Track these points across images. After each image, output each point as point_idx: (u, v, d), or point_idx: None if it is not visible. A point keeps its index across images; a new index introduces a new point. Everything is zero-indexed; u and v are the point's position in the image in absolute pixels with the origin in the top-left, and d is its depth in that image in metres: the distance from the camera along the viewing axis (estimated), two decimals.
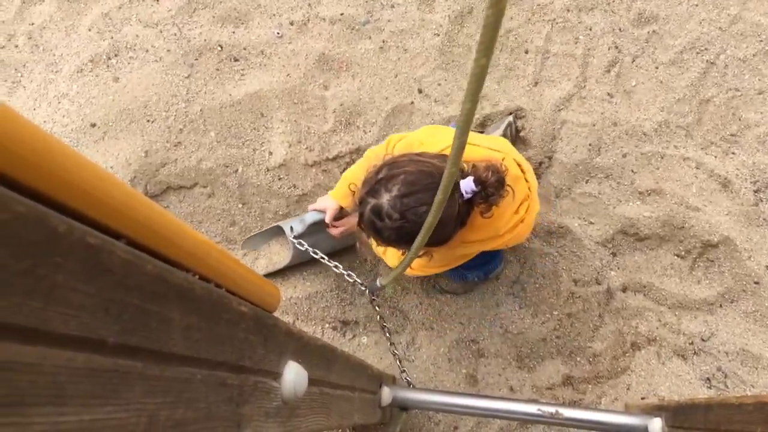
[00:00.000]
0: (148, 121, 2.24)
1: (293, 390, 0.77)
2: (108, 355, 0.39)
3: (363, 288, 1.95)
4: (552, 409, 1.79)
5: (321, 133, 2.28)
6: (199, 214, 2.25)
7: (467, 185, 1.48)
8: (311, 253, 1.96)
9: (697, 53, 2.31)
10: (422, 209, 1.38)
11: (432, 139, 1.74)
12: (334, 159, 2.27)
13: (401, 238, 1.49)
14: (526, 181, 1.73)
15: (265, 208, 2.25)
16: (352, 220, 1.97)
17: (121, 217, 0.43)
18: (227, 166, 2.24)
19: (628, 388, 2.17)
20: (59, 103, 2.31)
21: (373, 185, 1.49)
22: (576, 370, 2.20)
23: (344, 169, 2.30)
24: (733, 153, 2.26)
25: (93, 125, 2.25)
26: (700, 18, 2.33)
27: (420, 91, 2.33)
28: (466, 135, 0.85)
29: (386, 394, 1.79)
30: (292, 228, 2.10)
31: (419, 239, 1.16)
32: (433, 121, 2.30)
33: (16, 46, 2.44)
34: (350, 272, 1.98)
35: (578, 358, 2.21)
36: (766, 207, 2.19)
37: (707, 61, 2.30)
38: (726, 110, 2.28)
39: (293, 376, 0.79)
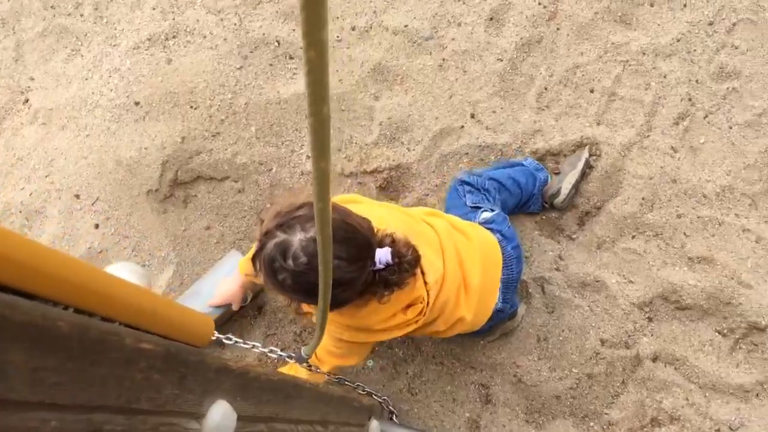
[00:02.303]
0: (192, 107, 2.26)
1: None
2: None
3: (290, 360, 1.83)
4: None
5: (363, 144, 2.24)
6: (225, 208, 2.26)
7: (383, 256, 1.41)
8: (224, 340, 1.89)
9: None
10: (335, 262, 1.21)
11: (376, 215, 1.62)
12: (372, 172, 2.24)
13: (297, 287, 1.37)
14: (425, 282, 1.60)
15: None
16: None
17: None
18: (262, 164, 2.23)
19: None
20: (110, 76, 2.36)
21: (289, 219, 1.36)
22: None
23: (380, 185, 2.24)
24: None
25: (137, 103, 2.28)
26: None
27: (473, 116, 2.26)
28: (328, 228, 0.81)
29: (374, 427, 1.73)
30: None
31: (322, 291, 1.02)
32: (479, 146, 2.21)
33: (81, 15, 2.52)
34: (272, 348, 1.89)
35: (591, 423, 2.10)
36: None
37: None
38: None
39: (219, 417, 0.75)
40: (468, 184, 2.05)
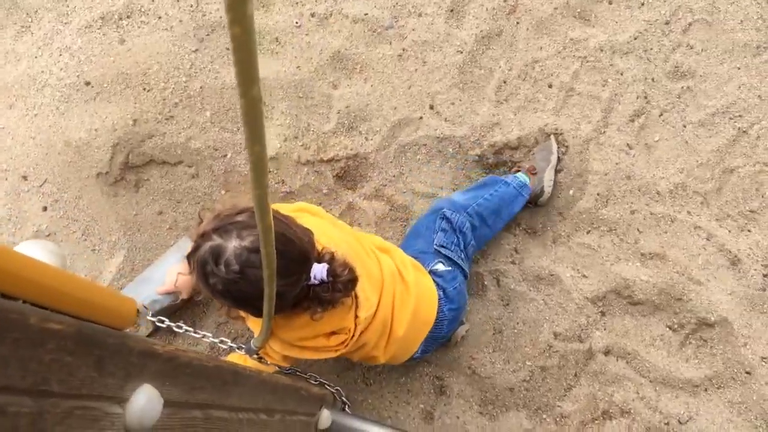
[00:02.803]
0: (145, 89, 2.20)
1: (139, 419, 0.71)
2: None
3: (240, 351, 1.80)
4: None
5: (320, 133, 2.21)
6: (179, 193, 2.20)
7: (319, 272, 1.39)
8: (174, 328, 1.85)
9: (730, 119, 2.19)
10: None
11: (327, 233, 1.61)
12: (329, 161, 2.20)
13: (227, 293, 1.35)
14: (356, 316, 1.59)
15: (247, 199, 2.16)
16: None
17: None
18: (216, 150, 2.18)
19: None
20: (60, 55, 2.28)
21: (226, 224, 1.33)
22: (539, 428, 2.10)
23: (337, 174, 2.20)
24: (749, 231, 2.13)
25: (88, 84, 2.21)
26: (740, 82, 2.21)
27: (431, 107, 2.24)
28: (268, 215, 0.81)
29: (325, 417, 1.71)
30: (146, 307, 2.01)
31: (266, 280, 1.01)
32: (438, 138, 2.19)
33: None
34: (223, 339, 1.86)
35: (544, 416, 2.10)
36: None
37: (739, 128, 2.18)
38: (750, 184, 2.15)
39: (143, 402, 0.71)
40: (447, 220, 2.01)
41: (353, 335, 1.60)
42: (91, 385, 0.64)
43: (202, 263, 1.33)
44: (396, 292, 1.74)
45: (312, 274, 1.38)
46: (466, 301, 2.04)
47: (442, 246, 1.97)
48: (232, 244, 1.30)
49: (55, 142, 2.25)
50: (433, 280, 1.90)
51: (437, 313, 1.87)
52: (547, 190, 2.17)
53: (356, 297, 1.57)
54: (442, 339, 2.00)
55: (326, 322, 1.52)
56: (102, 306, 0.68)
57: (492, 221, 2.09)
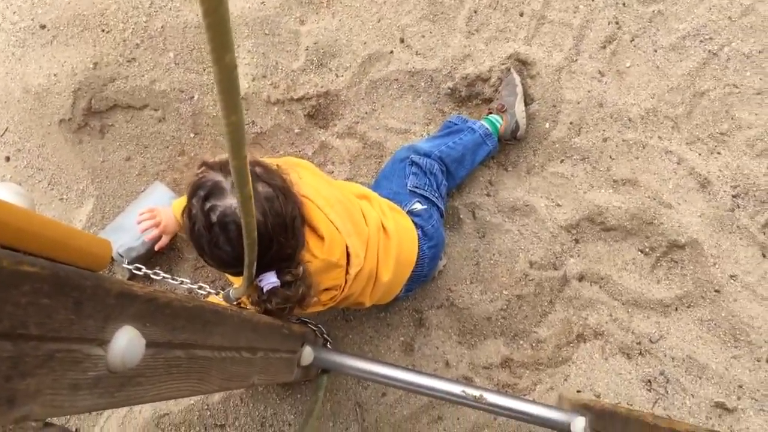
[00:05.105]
0: (103, 30, 2.09)
1: (121, 359, 0.71)
2: None
3: (218, 295, 1.80)
4: (477, 393, 1.74)
5: (289, 71, 2.15)
6: (146, 138, 2.14)
7: (267, 281, 1.39)
8: (152, 275, 1.82)
9: (701, 41, 2.17)
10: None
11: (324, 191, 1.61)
12: (300, 100, 2.15)
13: (192, 230, 1.36)
14: (347, 272, 1.61)
15: (218, 141, 2.12)
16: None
17: None
18: (182, 91, 2.11)
19: (565, 379, 2.12)
20: None
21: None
22: (516, 354, 2.14)
23: (309, 113, 2.16)
24: (719, 153, 2.15)
25: (43, 27, 2.11)
26: (711, 4, 2.19)
27: (402, 41, 2.19)
28: (248, 186, 0.82)
29: (307, 354, 1.73)
30: (121, 255, 1.98)
31: (246, 245, 1.03)
32: (409, 72, 2.15)
33: None
34: (201, 284, 1.85)
35: (521, 342, 2.15)
36: (742, 214, 2.09)
37: (709, 51, 2.16)
38: (720, 106, 2.16)
39: (125, 343, 0.71)
40: (417, 165, 1.99)
41: (343, 290, 1.62)
42: (70, 327, 0.63)
43: (198, 185, 1.32)
44: (380, 242, 1.74)
45: (260, 278, 1.38)
46: (444, 237, 2.06)
47: (416, 187, 1.96)
48: (230, 201, 1.29)
49: (13, 90, 2.14)
50: (411, 220, 1.90)
51: (418, 251, 1.88)
52: (522, 122, 2.15)
53: (348, 255, 1.58)
54: (423, 278, 2.02)
55: (321, 282, 1.52)
56: (75, 248, 0.66)
57: (454, 168, 2.07)
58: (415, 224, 1.89)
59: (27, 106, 2.14)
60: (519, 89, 2.15)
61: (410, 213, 1.91)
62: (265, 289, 1.38)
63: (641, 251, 2.18)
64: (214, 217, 1.29)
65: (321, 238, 1.52)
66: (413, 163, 1.99)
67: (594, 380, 2.13)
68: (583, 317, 2.16)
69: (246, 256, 1.06)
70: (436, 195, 1.98)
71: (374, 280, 1.76)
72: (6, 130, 2.16)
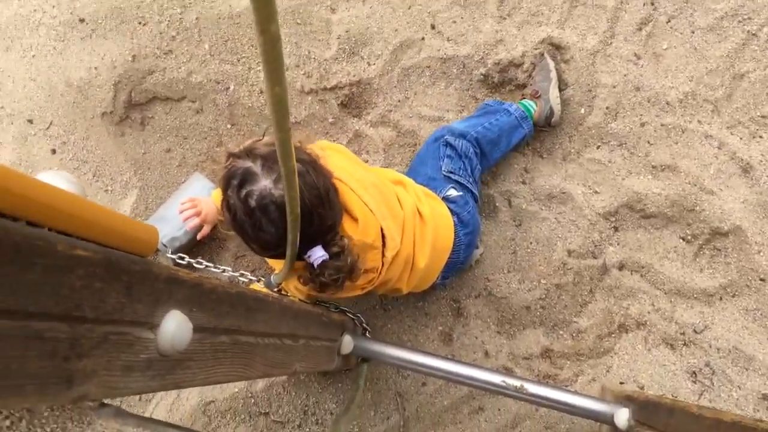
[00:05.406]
0: (140, 23, 2.14)
1: (171, 342, 0.73)
2: None
3: (260, 284, 1.80)
4: (517, 383, 1.70)
5: (322, 60, 2.16)
6: (185, 129, 2.17)
7: (315, 256, 1.40)
8: (194, 264, 1.84)
9: (739, 22, 2.13)
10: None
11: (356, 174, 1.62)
12: (332, 89, 2.16)
13: (233, 217, 1.37)
14: (383, 255, 1.61)
15: (254, 132, 2.14)
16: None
17: None
18: (218, 83, 2.14)
19: (608, 370, 2.06)
20: None
21: (273, 161, 1.33)
22: (557, 344, 2.10)
23: (342, 102, 2.17)
24: (761, 137, 2.10)
25: (82, 20, 2.16)
26: None
27: (433, 27, 2.19)
28: (292, 160, 0.81)
29: (347, 342, 1.72)
30: (165, 245, 2.03)
31: (290, 223, 1.03)
32: (441, 59, 2.14)
33: None
34: (243, 272, 1.85)
35: (561, 332, 2.11)
36: None
37: (749, 32, 2.12)
38: (761, 88, 2.11)
39: (174, 327, 0.73)
40: (451, 146, 1.97)
41: (380, 273, 1.61)
42: (122, 310, 0.65)
43: (230, 175, 1.33)
44: (416, 227, 1.73)
45: (308, 253, 1.39)
46: (479, 224, 2.03)
47: (451, 172, 1.94)
48: (264, 183, 1.30)
49: (56, 83, 2.19)
50: (447, 206, 1.89)
51: (454, 238, 1.86)
52: (556, 108, 2.12)
53: (383, 237, 1.58)
54: (460, 265, 1.99)
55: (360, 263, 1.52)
56: (125, 234, 0.68)
57: (489, 150, 2.04)
58: (451, 211, 1.87)
59: (70, 100, 2.19)
60: (553, 74, 2.13)
61: (445, 199, 1.90)
62: (315, 264, 1.39)
63: (683, 239, 2.12)
64: (252, 202, 1.30)
65: (355, 219, 1.52)
66: (448, 144, 1.97)
67: (637, 372, 2.07)
68: (625, 307, 2.11)
69: (288, 232, 1.05)
70: (471, 180, 1.96)
71: (411, 266, 1.74)
72: (51, 123, 2.21)
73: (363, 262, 1.52)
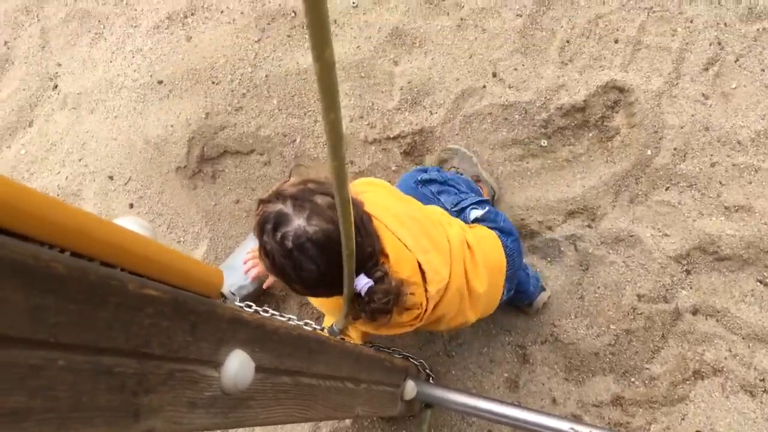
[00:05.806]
0: (213, 83, 2.25)
1: (233, 381, 0.75)
2: None
3: (323, 330, 1.82)
4: (587, 430, 1.65)
5: (385, 110, 2.21)
6: (253, 181, 2.25)
7: (361, 285, 1.36)
8: (261, 312, 1.89)
9: None
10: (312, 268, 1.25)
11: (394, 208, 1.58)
12: (396, 138, 2.20)
13: (272, 261, 1.34)
14: (426, 290, 1.54)
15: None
16: None
17: None
18: (285, 136, 2.22)
19: (683, 418, 2.00)
20: (133, 57, 2.36)
21: (305, 199, 1.30)
22: (628, 391, 2.04)
23: (404, 150, 2.21)
24: None
25: (160, 82, 2.29)
26: None
27: (494, 75, 2.20)
28: (346, 188, 0.80)
29: (410, 388, 1.72)
30: (233, 293, 2.07)
31: (346, 260, 1.02)
32: (503, 105, 2.16)
33: None
34: (307, 321, 1.88)
35: (632, 379, 2.05)
36: None
37: None
38: None
39: (237, 366, 0.75)
40: (432, 182, 1.93)
41: (426, 309, 1.57)
42: (187, 348, 0.67)
43: (264, 221, 1.31)
44: (466, 258, 1.69)
45: (354, 284, 1.35)
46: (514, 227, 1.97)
47: (455, 204, 1.91)
48: (298, 222, 1.28)
49: (135, 141, 2.33)
50: (483, 226, 1.84)
51: (504, 251, 1.81)
52: (495, 186, 2.18)
53: (423, 272, 1.54)
54: (521, 270, 1.95)
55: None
56: (192, 275, 0.71)
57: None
58: (488, 227, 1.85)
59: (147, 156, 2.32)
60: (475, 158, 2.16)
61: (477, 221, 1.85)
62: (363, 292, 1.36)
63: (760, 281, 2.04)
64: (289, 243, 1.28)
65: (386, 255, 1.49)
66: (424, 182, 1.95)
67: (714, 420, 1.99)
68: (700, 353, 2.04)
69: (345, 265, 1.04)
70: (473, 194, 1.94)
71: (469, 295, 1.70)
72: (129, 179, 2.35)
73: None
